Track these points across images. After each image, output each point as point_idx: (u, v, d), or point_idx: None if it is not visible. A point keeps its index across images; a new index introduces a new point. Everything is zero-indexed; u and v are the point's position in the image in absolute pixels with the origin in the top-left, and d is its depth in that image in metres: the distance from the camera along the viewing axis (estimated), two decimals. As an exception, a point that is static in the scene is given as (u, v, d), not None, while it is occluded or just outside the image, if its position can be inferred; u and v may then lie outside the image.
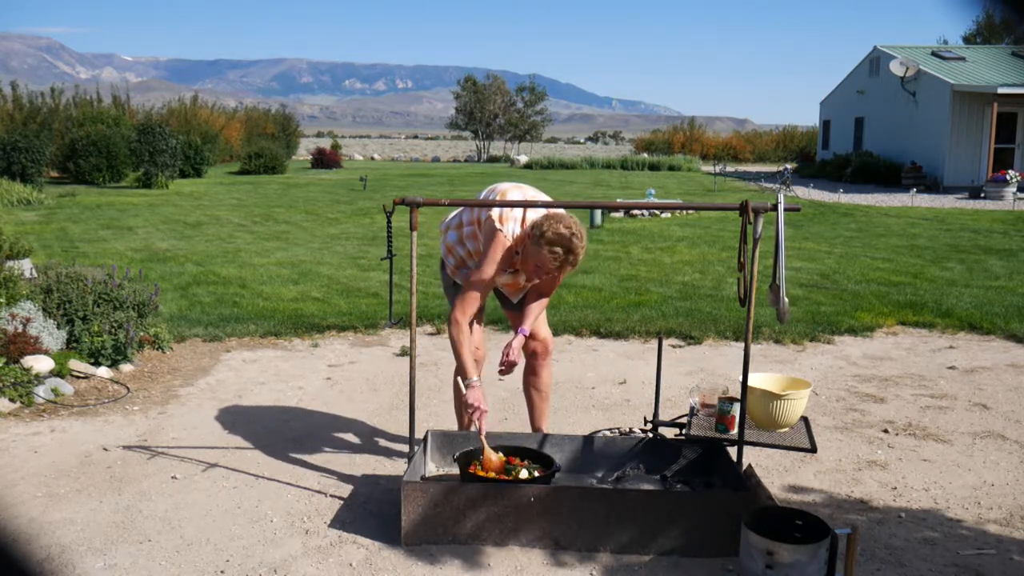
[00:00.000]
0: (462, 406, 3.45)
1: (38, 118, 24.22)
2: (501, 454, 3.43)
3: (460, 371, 3.45)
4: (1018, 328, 6.48)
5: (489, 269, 3.38)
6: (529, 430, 3.92)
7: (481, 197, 3.53)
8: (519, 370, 3.83)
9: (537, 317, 3.63)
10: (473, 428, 3.48)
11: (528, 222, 3.39)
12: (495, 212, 3.39)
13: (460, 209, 3.69)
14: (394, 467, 3.84)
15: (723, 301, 7.38)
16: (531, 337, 3.71)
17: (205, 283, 8.18)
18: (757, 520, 2.82)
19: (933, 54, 24.65)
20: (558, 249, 3.23)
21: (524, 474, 3.32)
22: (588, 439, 3.67)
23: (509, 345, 3.49)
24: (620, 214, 14.27)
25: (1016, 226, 13.70)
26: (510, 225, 3.39)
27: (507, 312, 3.90)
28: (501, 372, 3.53)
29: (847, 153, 26.64)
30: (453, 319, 3.42)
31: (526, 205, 3.37)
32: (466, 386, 3.38)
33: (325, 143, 42.85)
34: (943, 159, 21.52)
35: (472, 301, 3.41)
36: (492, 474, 3.30)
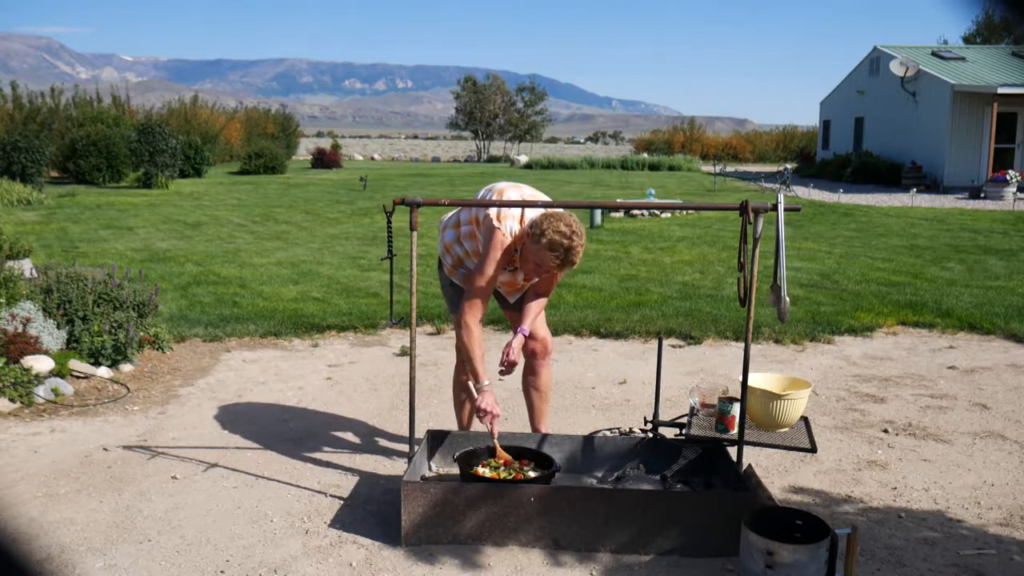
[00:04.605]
0: (474, 410, 3.42)
1: (38, 118, 24.23)
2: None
3: (472, 375, 3.43)
4: (1018, 328, 6.49)
5: (489, 269, 3.36)
6: (529, 430, 3.92)
7: (479, 196, 3.51)
8: (518, 370, 3.83)
9: (536, 316, 3.62)
10: (472, 429, 3.48)
11: (527, 220, 3.38)
12: (492, 210, 3.38)
13: (458, 208, 3.69)
14: (394, 467, 3.84)
15: (723, 301, 7.38)
16: (530, 337, 3.70)
17: (205, 283, 8.18)
18: (757, 520, 2.82)
19: (933, 54, 24.64)
20: (558, 248, 3.22)
21: (532, 474, 3.33)
22: (588, 439, 3.67)
23: (509, 345, 3.49)
24: (620, 214, 14.27)
25: (1016, 226, 13.70)
26: (508, 223, 3.38)
27: (506, 312, 3.90)
28: (502, 372, 3.53)
29: (847, 153, 26.64)
30: (463, 323, 3.38)
31: (525, 205, 3.37)
32: (478, 390, 3.36)
33: (325, 143, 42.86)
34: (943, 159, 21.52)
35: (478, 303, 3.39)
36: (496, 466, 3.33)
